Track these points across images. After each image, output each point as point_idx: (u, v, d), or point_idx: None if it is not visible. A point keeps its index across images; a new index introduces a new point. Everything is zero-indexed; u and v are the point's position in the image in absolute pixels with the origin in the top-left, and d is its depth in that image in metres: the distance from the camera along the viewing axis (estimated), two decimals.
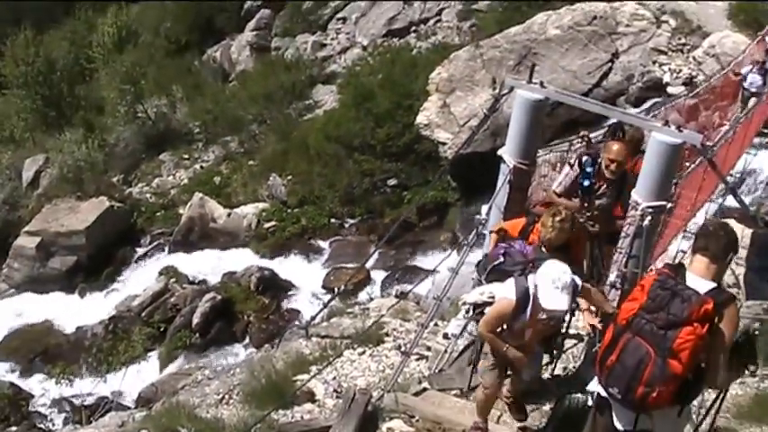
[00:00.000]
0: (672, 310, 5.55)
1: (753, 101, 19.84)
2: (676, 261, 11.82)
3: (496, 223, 9.02)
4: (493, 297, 7.61)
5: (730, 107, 20.07)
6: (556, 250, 7.97)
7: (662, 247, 10.76)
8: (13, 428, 18.54)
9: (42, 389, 21.89)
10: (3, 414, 18.69)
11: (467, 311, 7.98)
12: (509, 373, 8.12)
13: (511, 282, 7.40)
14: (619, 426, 6.13)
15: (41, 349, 24.01)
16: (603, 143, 10.22)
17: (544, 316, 7.27)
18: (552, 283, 6.96)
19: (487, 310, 7.60)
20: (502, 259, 7.88)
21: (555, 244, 7.93)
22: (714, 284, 5.65)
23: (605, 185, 9.35)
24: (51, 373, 22.08)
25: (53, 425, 20.30)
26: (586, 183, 9.40)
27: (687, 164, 9.78)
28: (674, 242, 11.64)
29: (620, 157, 9.09)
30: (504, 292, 7.42)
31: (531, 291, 7.17)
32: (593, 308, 8.05)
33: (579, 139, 11.16)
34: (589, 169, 9.35)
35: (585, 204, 9.43)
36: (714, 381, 5.88)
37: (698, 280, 5.66)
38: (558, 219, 7.85)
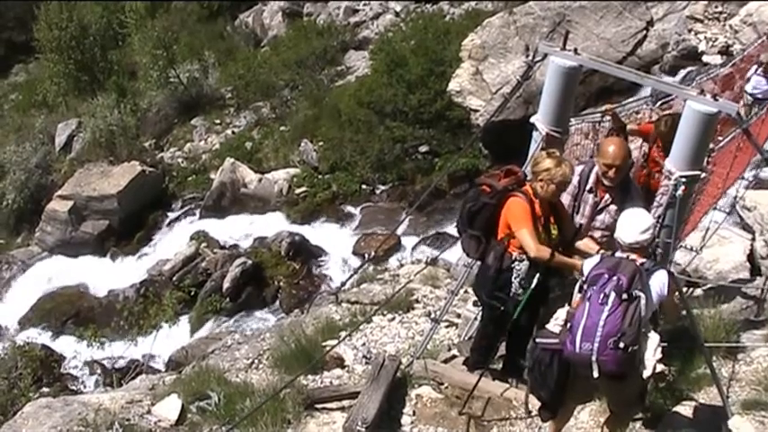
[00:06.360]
0: None
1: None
2: (709, 233, 11.82)
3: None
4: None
5: None
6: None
7: (692, 225, 10.63)
8: (45, 390, 18.68)
9: (74, 351, 22.04)
10: (35, 375, 18.81)
11: None
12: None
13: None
14: None
15: (73, 312, 24.36)
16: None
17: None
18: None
19: None
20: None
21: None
22: None
23: (606, 196, 8.27)
24: (83, 336, 22.13)
25: (84, 387, 20.51)
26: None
27: (720, 138, 9.58)
28: (704, 218, 11.54)
29: (618, 161, 7.91)
30: None
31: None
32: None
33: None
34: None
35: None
36: None
37: None
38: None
